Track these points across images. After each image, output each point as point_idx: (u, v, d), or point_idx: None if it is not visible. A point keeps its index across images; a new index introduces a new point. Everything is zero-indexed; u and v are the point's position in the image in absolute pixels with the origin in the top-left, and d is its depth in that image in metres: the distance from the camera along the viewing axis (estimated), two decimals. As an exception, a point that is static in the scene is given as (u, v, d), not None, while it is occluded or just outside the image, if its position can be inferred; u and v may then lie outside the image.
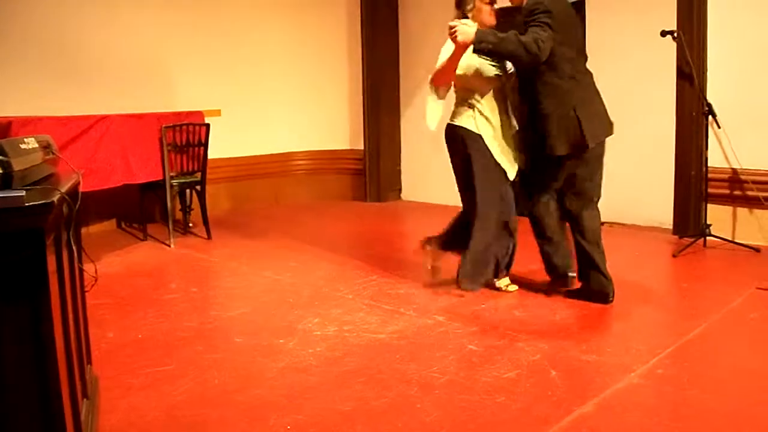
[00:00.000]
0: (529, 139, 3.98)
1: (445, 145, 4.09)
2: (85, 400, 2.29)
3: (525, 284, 4.28)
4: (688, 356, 3.11)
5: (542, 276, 4.24)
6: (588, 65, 5.26)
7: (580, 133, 3.72)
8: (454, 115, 4.03)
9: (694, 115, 5.40)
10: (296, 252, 5.36)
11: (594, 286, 3.89)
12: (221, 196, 7.10)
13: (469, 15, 3.92)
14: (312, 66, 7.81)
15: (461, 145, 3.96)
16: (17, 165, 1.69)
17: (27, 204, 1.54)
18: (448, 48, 3.87)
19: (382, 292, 4.23)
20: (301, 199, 7.82)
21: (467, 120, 3.95)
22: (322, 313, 3.84)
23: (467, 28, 3.63)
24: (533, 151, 3.96)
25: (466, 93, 3.97)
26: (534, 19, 3.61)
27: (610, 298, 3.87)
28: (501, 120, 3.97)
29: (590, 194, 3.91)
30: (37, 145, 2.04)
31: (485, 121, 3.93)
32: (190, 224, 6.32)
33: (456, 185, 4.11)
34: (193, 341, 3.48)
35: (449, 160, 4.10)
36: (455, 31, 3.61)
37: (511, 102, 4.07)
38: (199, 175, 5.87)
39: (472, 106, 3.95)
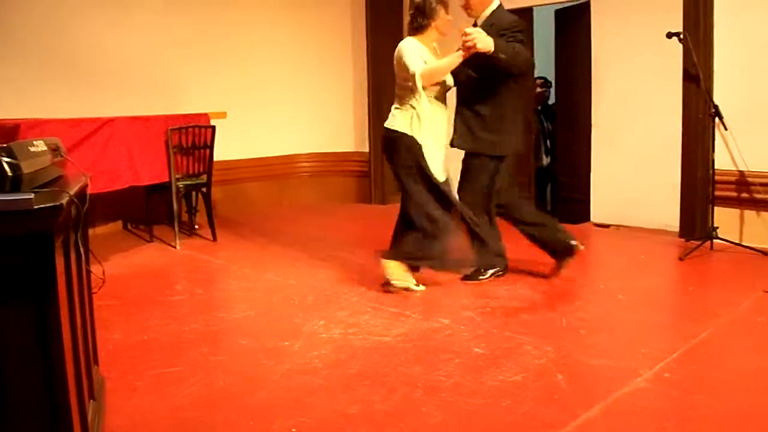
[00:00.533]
0: (468, 143, 4.28)
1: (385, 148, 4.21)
2: (91, 401, 2.30)
3: (530, 287, 4.28)
4: (695, 360, 3.11)
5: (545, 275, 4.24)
6: (594, 67, 5.49)
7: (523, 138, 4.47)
8: (396, 118, 4.09)
9: (700, 117, 5.38)
10: (301, 254, 5.36)
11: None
12: (227, 198, 7.10)
13: (433, 24, 4.06)
14: (317, 68, 7.82)
15: (406, 151, 4.06)
16: (26, 167, 1.70)
17: (36, 207, 1.55)
18: (415, 47, 4.04)
19: (387, 294, 4.22)
20: (306, 201, 7.83)
21: (409, 124, 4.04)
22: (327, 316, 3.84)
23: (486, 37, 3.79)
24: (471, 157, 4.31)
25: (411, 95, 4.04)
26: (514, 36, 3.98)
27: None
28: (439, 124, 4.14)
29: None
30: (45, 148, 2.05)
31: (420, 123, 4.03)
32: (196, 226, 6.33)
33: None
34: (199, 343, 3.48)
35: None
36: (473, 39, 3.74)
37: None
38: (204, 177, 5.87)
39: (413, 108, 4.04)
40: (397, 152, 4.09)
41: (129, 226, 6.49)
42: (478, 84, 4.15)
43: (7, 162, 1.63)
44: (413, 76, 3.93)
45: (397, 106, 4.11)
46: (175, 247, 5.67)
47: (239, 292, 4.45)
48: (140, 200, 6.02)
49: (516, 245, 5.49)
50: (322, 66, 7.85)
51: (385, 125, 4.14)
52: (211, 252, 5.62)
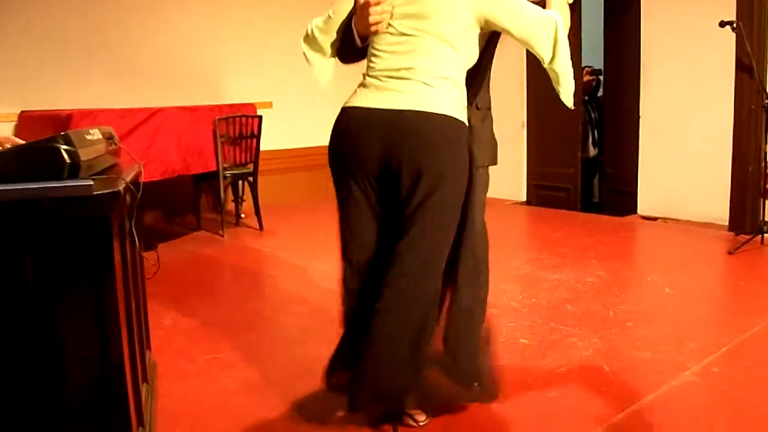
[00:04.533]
0: None
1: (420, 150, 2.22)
2: (144, 384, 2.35)
3: (576, 278, 4.25)
4: (744, 355, 3.04)
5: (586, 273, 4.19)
6: (643, 56, 5.12)
7: None
8: (444, 96, 2.24)
9: (753, 108, 5.26)
10: (346, 244, 5.38)
11: None
12: (273, 187, 7.15)
13: None
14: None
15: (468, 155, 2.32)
16: (84, 155, 1.74)
17: (95, 193, 1.59)
18: None
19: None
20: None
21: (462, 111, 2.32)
22: (373, 305, 3.85)
23: None
24: None
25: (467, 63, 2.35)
26: None
27: None
28: None
29: None
30: (101, 136, 2.10)
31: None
32: (242, 215, 6.41)
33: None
34: (247, 330, 3.54)
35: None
36: None
37: None
38: (251, 166, 5.94)
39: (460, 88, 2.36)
40: (462, 155, 2.27)
41: (176, 215, 6.59)
42: None
43: (65, 149, 1.66)
44: (554, 21, 2.23)
45: (435, 75, 2.23)
46: (222, 236, 5.75)
47: (286, 280, 4.49)
48: (188, 189, 6.12)
49: (566, 234, 5.46)
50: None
51: (417, 107, 2.20)
52: (258, 241, 5.69)
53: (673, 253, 4.98)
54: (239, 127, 5.75)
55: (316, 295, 4.11)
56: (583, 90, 7.13)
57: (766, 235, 4.99)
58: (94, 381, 1.74)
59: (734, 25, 5.02)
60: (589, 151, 7.39)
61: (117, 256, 1.79)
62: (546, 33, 2.22)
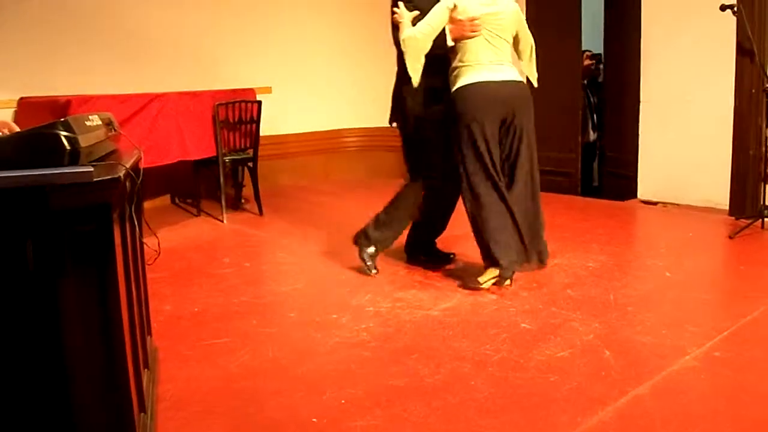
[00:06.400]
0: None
1: (524, 107, 3.77)
2: (146, 369, 2.36)
3: (577, 263, 4.25)
4: (745, 340, 3.05)
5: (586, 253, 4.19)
6: (644, 40, 5.09)
7: None
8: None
9: (753, 92, 5.25)
10: (347, 228, 5.35)
11: None
12: (273, 172, 7.14)
13: None
14: (363, 41, 7.76)
15: None
16: (83, 141, 1.73)
17: (95, 179, 1.58)
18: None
19: (434, 269, 4.23)
20: (353, 177, 7.82)
21: None
22: (374, 290, 3.86)
23: None
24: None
25: None
26: None
27: None
28: None
29: None
30: (100, 122, 2.09)
31: None
32: (243, 200, 6.41)
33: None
34: (248, 315, 3.54)
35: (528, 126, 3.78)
36: None
37: None
38: (251, 151, 5.93)
39: None
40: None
41: (177, 201, 6.59)
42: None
43: (65, 136, 1.65)
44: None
45: (511, 62, 3.81)
46: (222, 221, 5.75)
47: (286, 265, 4.50)
48: (188, 175, 6.11)
49: (566, 219, 5.46)
50: (369, 39, 7.78)
51: (518, 78, 3.79)
52: (258, 226, 5.69)
53: (673, 237, 4.98)
54: (239, 112, 5.73)
55: (315, 280, 4.12)
56: (582, 74, 7.11)
57: (766, 219, 4.99)
58: (96, 367, 1.74)
59: (735, 8, 5.00)
60: (589, 136, 7.39)
61: (117, 242, 1.79)
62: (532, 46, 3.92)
